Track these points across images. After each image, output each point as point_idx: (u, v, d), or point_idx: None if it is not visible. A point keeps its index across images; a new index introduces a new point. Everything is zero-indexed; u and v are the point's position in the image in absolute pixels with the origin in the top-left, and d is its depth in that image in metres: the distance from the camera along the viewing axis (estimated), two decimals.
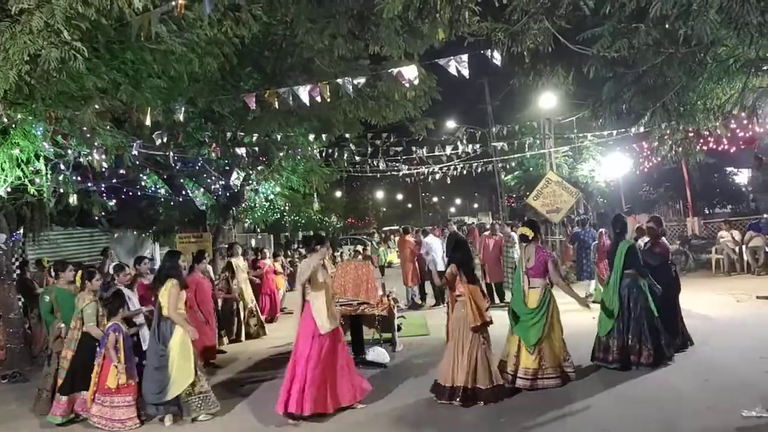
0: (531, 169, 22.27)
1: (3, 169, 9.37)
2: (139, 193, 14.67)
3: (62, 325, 7.29)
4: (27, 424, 7.02)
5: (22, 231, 12.10)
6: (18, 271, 11.38)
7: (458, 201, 75.93)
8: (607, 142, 19.17)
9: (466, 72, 7.46)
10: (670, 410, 5.87)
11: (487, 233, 14.70)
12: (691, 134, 10.48)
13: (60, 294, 7.67)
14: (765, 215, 17.68)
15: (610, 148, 20.55)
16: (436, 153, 19.18)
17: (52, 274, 8.90)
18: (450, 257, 7.11)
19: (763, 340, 8.22)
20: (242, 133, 12.63)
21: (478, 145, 18.79)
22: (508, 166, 24.31)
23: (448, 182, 24.55)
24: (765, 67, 7.35)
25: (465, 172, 21.80)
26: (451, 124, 23.41)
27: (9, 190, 9.28)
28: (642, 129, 11.96)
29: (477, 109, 27.30)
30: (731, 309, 10.65)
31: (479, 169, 21.59)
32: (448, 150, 18.58)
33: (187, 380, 6.53)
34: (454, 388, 6.44)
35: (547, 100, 17.35)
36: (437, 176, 24.12)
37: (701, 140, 12.85)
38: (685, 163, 20.65)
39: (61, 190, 10.72)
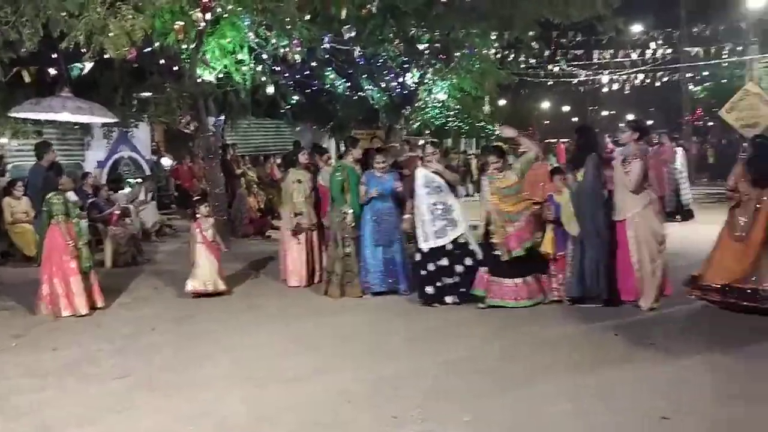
0: (725, 81, 20.17)
1: (213, 57, 10.35)
2: (321, 89, 15.41)
3: (350, 210, 6.99)
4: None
5: (223, 117, 13.35)
6: (221, 152, 12.63)
7: (631, 116, 70.77)
8: None
9: None
10: None
11: (656, 146, 13.94)
12: None
13: (352, 173, 7.17)
14: None
15: None
16: (619, 59, 17.97)
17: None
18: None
19: None
20: (422, 30, 12.72)
21: (669, 50, 17.30)
22: (698, 77, 22.17)
23: (626, 92, 23.02)
24: None
25: (648, 81, 20.25)
26: (637, 28, 21.58)
27: (218, 77, 10.24)
28: None
29: (671, 10, 24.81)
30: None
31: (664, 79, 19.95)
32: (634, 55, 17.32)
33: None
34: None
35: None
36: (614, 86, 22.68)
37: None
38: None
39: (263, 79, 11.55)
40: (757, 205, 6.09)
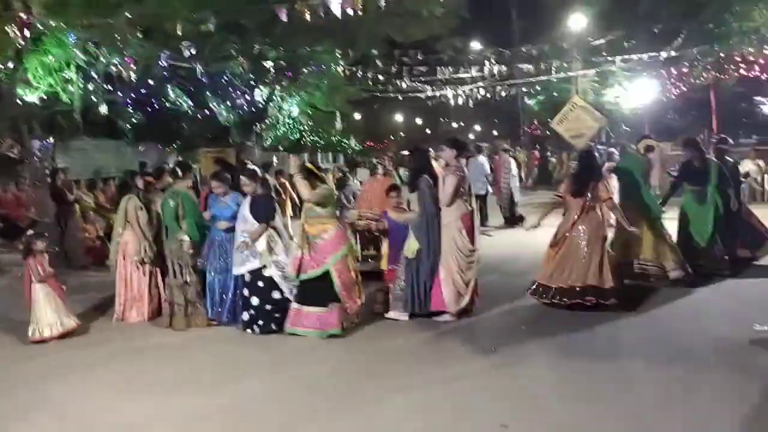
0: (556, 94, 21.92)
1: (35, 76, 9.53)
2: (164, 107, 14.77)
3: (187, 238, 6.64)
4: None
5: (52, 139, 12.31)
6: (49, 179, 11.62)
7: (478, 127, 74.94)
8: (635, 67, 18.79)
9: None
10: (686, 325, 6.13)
11: (496, 156, 14.94)
12: (723, 56, 10.33)
13: (186, 198, 6.83)
14: None
15: (637, 74, 20.16)
16: (460, 75, 18.95)
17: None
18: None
19: None
20: (268, 46, 12.62)
21: (504, 67, 18.52)
22: (532, 91, 23.96)
23: (471, 106, 24.30)
24: None
25: (488, 95, 21.52)
26: (476, 45, 22.93)
27: (44, 97, 9.45)
28: (674, 53, 11.74)
29: (504, 31, 26.70)
30: None
31: (503, 93, 21.29)
32: (473, 71, 18.35)
33: None
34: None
35: (577, 21, 16.91)
36: (459, 100, 23.86)
37: (733, 65, 12.61)
38: (714, 91, 20.25)
39: (94, 98, 10.83)
40: (575, 214, 6.67)
